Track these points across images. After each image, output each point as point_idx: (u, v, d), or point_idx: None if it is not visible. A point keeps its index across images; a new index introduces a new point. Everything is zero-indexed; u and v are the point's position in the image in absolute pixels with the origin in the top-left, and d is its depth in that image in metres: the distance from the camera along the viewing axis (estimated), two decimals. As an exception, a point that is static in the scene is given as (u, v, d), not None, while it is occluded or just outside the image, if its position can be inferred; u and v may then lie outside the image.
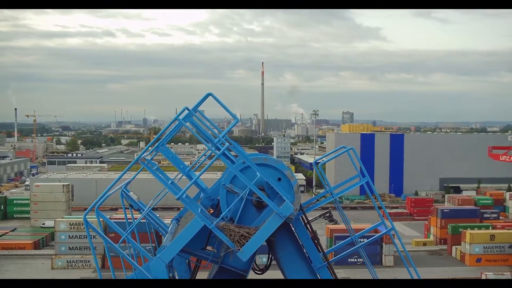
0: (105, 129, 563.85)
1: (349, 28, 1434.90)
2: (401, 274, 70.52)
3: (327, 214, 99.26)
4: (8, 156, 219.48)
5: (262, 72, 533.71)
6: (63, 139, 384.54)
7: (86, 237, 73.41)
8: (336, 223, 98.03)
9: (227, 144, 14.26)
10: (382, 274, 69.95)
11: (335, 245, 17.26)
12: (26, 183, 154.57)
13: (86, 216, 13.59)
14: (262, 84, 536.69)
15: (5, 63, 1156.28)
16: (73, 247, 77.69)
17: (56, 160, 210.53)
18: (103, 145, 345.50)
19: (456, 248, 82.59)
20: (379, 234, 17.78)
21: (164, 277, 13.18)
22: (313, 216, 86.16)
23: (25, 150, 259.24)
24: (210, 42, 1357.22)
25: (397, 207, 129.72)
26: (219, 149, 14.42)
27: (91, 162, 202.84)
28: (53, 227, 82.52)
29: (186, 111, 14.41)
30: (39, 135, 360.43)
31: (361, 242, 16.79)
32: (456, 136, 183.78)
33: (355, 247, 16.39)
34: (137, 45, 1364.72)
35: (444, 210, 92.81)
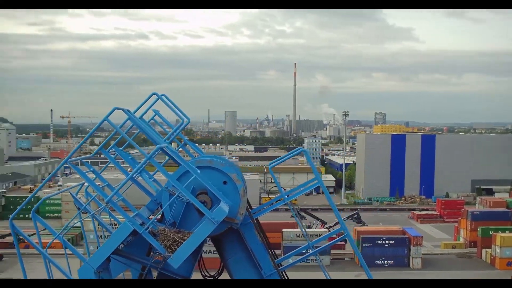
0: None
1: (380, 28, 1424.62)
2: (429, 277, 69.63)
3: (355, 216, 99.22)
4: (43, 157, 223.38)
5: (295, 73, 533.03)
6: (97, 140, 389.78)
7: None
8: (364, 224, 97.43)
9: (158, 146, 13.35)
10: (410, 277, 69.10)
11: (290, 252, 16.36)
12: (59, 183, 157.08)
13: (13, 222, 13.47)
14: (294, 85, 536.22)
15: (42, 66, 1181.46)
16: (101, 246, 78.63)
17: (89, 160, 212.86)
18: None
19: (486, 251, 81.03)
20: (333, 240, 16.95)
21: None
22: (342, 217, 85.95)
23: (60, 150, 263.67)
24: (241, 43, 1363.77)
25: (427, 209, 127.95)
26: (165, 152, 13.93)
27: (123, 163, 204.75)
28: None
29: (116, 111, 13.83)
30: (73, 136, 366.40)
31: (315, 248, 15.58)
32: (489, 137, 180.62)
33: (307, 255, 15.59)
34: (169, 47, 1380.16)
35: (475, 213, 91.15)
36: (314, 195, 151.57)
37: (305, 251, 15.77)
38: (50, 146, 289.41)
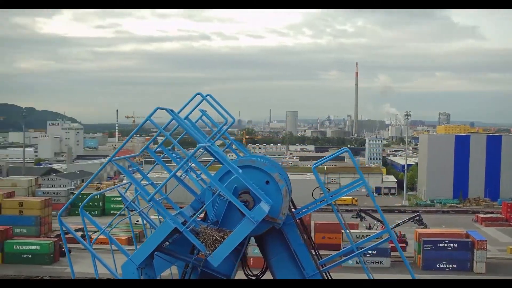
0: (201, 129, 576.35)
1: (444, 27, 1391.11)
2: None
3: (417, 218, 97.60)
4: (108, 156, 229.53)
5: (356, 73, 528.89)
6: (160, 139, 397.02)
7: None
8: (426, 226, 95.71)
9: (199, 145, 13.38)
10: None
11: (335, 253, 15.98)
12: (123, 181, 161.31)
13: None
14: (356, 85, 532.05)
15: (108, 68, 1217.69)
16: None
17: (153, 159, 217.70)
18: (197, 144, 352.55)
19: (555, 256, 78.50)
20: (378, 242, 16.59)
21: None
22: (402, 219, 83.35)
23: (125, 149, 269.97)
24: (303, 43, 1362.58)
25: (492, 212, 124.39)
26: (208, 151, 13.86)
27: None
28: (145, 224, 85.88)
29: (159, 111, 14.04)
30: (138, 135, 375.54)
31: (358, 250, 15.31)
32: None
33: (353, 255, 15.23)
34: (231, 48, 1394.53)
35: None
36: (376, 196, 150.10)
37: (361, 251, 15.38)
38: (115, 145, 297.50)
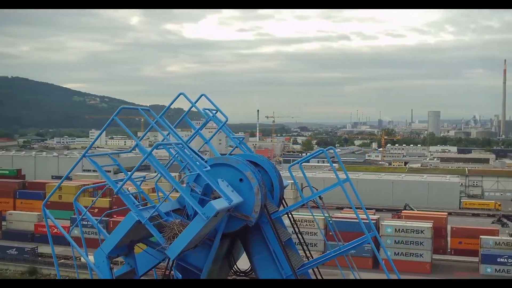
0: (340, 130, 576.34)
1: None
2: None
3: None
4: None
5: (505, 70, 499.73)
6: (300, 139, 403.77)
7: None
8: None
9: (157, 143, 13.13)
10: None
11: (322, 255, 16.08)
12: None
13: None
14: (504, 83, 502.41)
15: (250, 69, 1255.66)
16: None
17: (291, 159, 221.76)
18: (336, 145, 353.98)
19: None
20: (361, 241, 16.62)
21: (104, 268, 12.95)
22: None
23: (264, 149, 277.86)
24: (445, 41, 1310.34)
25: None
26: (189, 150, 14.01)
27: (323, 162, 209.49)
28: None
29: (123, 110, 13.64)
30: (278, 135, 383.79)
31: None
32: None
33: (334, 255, 14.80)
34: (371, 47, 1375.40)
35: None
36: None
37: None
38: (256, 144, 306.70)
